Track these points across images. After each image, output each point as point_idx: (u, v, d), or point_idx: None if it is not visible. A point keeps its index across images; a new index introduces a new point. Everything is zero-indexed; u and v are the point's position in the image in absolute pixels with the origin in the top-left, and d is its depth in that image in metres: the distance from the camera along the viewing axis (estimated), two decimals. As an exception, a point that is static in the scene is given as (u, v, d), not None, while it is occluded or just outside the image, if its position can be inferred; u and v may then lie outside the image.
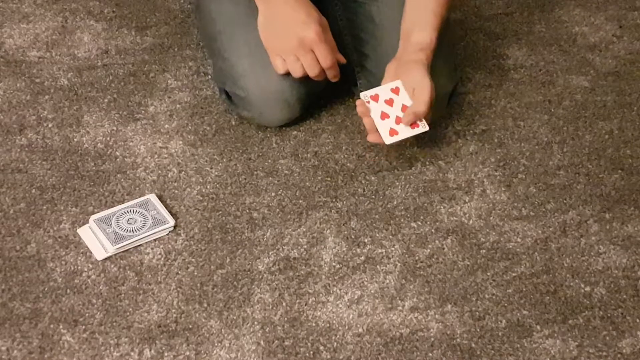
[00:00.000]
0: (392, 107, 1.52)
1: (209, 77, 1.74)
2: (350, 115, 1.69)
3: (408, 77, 1.52)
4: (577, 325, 1.39)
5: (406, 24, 1.55)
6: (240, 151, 1.61)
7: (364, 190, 1.56)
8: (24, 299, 1.38)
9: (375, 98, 1.52)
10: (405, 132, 1.52)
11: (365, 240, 1.49)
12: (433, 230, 1.51)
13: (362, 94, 1.52)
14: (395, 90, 1.52)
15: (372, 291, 1.42)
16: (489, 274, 1.45)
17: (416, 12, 1.54)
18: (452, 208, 1.54)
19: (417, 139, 1.61)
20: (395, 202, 1.55)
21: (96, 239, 1.46)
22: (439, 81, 1.59)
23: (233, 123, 1.66)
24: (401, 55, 1.54)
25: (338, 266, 1.45)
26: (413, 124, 1.52)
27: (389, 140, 1.51)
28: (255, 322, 1.37)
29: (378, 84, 1.55)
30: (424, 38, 1.52)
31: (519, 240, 1.50)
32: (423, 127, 1.52)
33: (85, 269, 1.42)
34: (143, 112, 1.67)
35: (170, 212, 1.50)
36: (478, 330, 1.38)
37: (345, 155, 1.62)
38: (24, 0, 1.89)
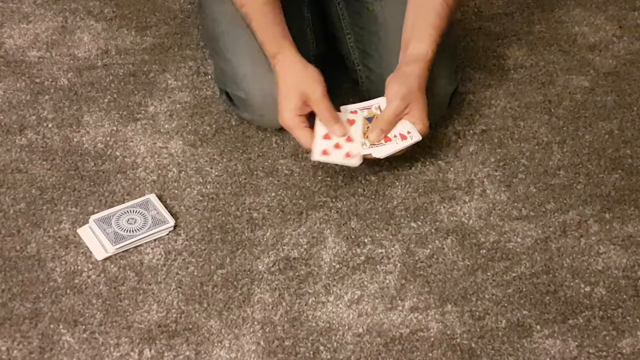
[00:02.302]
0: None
1: (209, 77, 1.74)
2: (350, 115, 1.69)
3: (388, 90, 1.51)
4: (577, 325, 1.39)
5: (405, 35, 1.55)
6: (240, 151, 1.61)
7: (364, 190, 1.56)
8: (24, 299, 1.38)
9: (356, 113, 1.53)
10: (398, 145, 1.50)
11: (365, 240, 1.49)
12: (433, 230, 1.51)
13: (342, 108, 1.52)
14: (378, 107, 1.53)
15: (372, 291, 1.42)
16: (489, 274, 1.45)
17: (416, 24, 1.54)
18: (452, 208, 1.54)
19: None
20: (395, 202, 1.55)
21: (96, 239, 1.46)
22: (440, 83, 1.60)
23: (233, 123, 1.66)
24: (398, 68, 1.53)
25: (338, 266, 1.45)
26: (402, 136, 1.51)
27: (366, 153, 1.50)
28: (255, 322, 1.37)
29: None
30: (419, 50, 1.52)
31: (519, 240, 1.50)
32: (411, 138, 1.50)
33: (85, 269, 1.42)
34: (143, 112, 1.67)
35: (170, 212, 1.50)
36: (478, 330, 1.38)
37: (345, 155, 1.62)
38: (24, 0, 1.89)
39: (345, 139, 1.49)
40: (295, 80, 1.49)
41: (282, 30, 1.53)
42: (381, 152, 1.50)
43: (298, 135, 1.49)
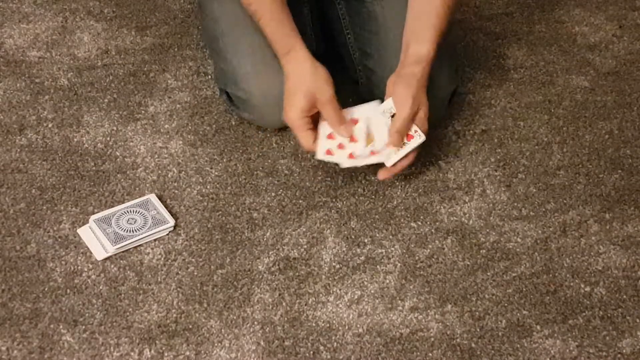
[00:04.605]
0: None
1: (209, 77, 1.74)
2: (350, 115, 1.69)
3: (396, 92, 1.51)
4: (577, 325, 1.39)
5: (406, 36, 1.54)
6: (240, 151, 1.61)
7: (364, 190, 1.56)
8: (24, 299, 1.38)
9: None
10: (406, 147, 1.50)
11: (365, 240, 1.49)
12: (433, 230, 1.51)
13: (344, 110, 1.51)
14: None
15: (372, 291, 1.42)
16: (489, 274, 1.45)
17: (416, 25, 1.53)
18: (452, 208, 1.54)
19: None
20: (395, 202, 1.55)
21: (96, 239, 1.46)
22: (440, 83, 1.59)
23: (233, 123, 1.66)
24: (400, 69, 1.53)
25: (338, 266, 1.45)
26: (408, 136, 1.51)
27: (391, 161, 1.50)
28: (255, 322, 1.37)
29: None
30: (420, 51, 1.51)
31: (519, 240, 1.50)
32: (419, 137, 1.51)
33: (85, 269, 1.42)
34: (143, 112, 1.67)
35: (170, 212, 1.50)
36: (478, 330, 1.38)
37: (345, 155, 1.62)
38: (24, 0, 1.89)
39: (348, 140, 1.49)
40: (305, 80, 1.49)
41: (292, 29, 1.52)
42: (392, 159, 1.50)
43: (301, 136, 1.49)
